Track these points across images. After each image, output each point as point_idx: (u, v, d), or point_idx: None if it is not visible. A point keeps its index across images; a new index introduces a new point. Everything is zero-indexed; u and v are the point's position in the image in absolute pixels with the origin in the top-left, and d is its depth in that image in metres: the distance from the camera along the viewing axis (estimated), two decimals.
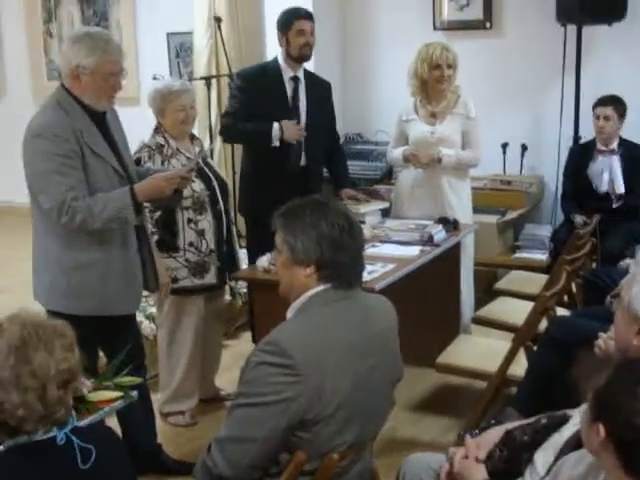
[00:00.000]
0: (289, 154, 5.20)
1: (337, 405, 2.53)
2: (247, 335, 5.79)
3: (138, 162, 4.38)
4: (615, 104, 6.10)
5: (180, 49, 8.31)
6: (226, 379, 5.04)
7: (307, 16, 5.27)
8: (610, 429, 1.94)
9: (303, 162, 5.30)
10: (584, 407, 2.14)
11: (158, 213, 4.49)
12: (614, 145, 6.17)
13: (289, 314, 2.71)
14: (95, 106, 3.66)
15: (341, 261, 2.64)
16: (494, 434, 2.64)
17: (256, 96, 5.20)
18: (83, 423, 2.41)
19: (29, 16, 9.20)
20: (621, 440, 1.94)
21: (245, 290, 6.01)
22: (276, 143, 5.12)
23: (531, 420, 2.62)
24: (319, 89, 5.46)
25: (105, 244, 3.71)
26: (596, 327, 3.41)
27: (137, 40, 8.31)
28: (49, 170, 3.52)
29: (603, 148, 6.20)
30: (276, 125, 5.09)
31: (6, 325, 2.21)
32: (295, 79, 5.32)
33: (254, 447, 2.51)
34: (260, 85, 5.24)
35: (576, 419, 2.41)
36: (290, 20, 5.21)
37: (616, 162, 6.13)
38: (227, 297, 5.50)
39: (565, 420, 2.48)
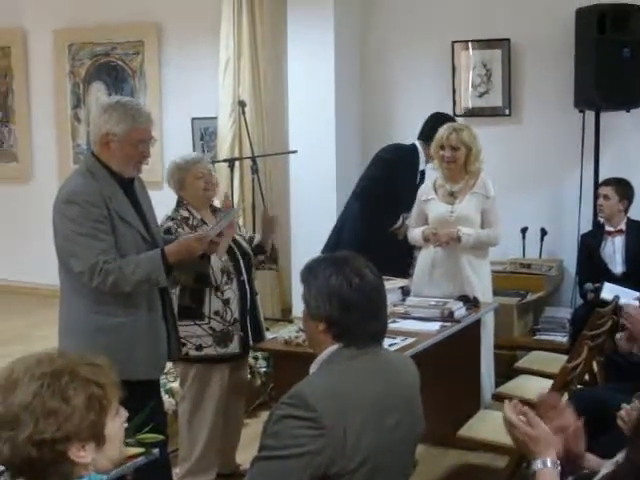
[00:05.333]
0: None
1: (360, 460, 2.51)
2: (266, 414, 5.76)
3: (169, 231, 4.46)
4: (617, 185, 6.23)
5: (205, 133, 8.48)
6: (245, 456, 5.01)
7: None
8: None
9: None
10: (609, 462, 2.13)
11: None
12: (622, 226, 6.24)
13: (312, 369, 2.72)
14: (123, 172, 3.76)
15: (350, 320, 2.62)
16: None
17: (402, 173, 5.87)
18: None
19: (58, 101, 9.42)
20: None
21: (264, 369, 6.02)
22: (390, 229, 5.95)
23: None
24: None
25: (131, 308, 3.76)
26: (619, 399, 3.40)
27: (162, 125, 8.47)
28: (81, 234, 3.61)
29: (611, 229, 6.27)
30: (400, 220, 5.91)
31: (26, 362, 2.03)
32: (422, 172, 5.96)
33: None
34: (407, 166, 5.94)
35: (603, 471, 2.40)
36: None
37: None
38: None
39: (593, 476, 2.47)
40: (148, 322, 3.82)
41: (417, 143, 6.00)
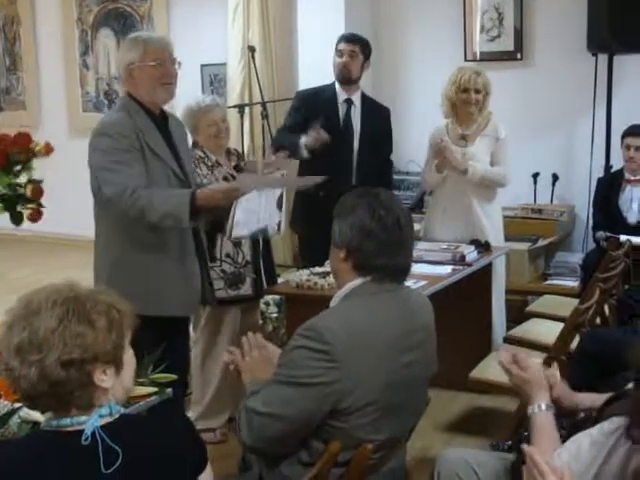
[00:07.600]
0: (337, 174, 5.27)
1: (371, 397, 2.54)
2: None
3: None
4: None
5: (214, 79, 8.43)
6: None
7: (348, 39, 5.61)
8: None
9: (353, 182, 5.51)
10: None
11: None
12: None
13: (332, 303, 2.73)
14: (154, 98, 3.81)
15: (367, 249, 2.63)
16: None
17: (309, 115, 5.47)
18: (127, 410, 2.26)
19: (66, 48, 9.38)
20: None
21: (275, 315, 6.03)
22: (304, 154, 5.33)
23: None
24: (376, 114, 5.70)
25: (163, 246, 3.82)
26: (631, 339, 3.40)
27: None
28: (112, 161, 3.65)
29: (631, 178, 6.15)
30: (303, 138, 5.30)
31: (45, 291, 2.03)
32: (348, 101, 5.61)
33: (279, 424, 2.54)
34: (313, 105, 5.57)
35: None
36: (336, 42, 5.63)
37: None
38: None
39: (587, 420, 2.48)
40: (178, 262, 3.87)
41: (336, 84, 5.69)
